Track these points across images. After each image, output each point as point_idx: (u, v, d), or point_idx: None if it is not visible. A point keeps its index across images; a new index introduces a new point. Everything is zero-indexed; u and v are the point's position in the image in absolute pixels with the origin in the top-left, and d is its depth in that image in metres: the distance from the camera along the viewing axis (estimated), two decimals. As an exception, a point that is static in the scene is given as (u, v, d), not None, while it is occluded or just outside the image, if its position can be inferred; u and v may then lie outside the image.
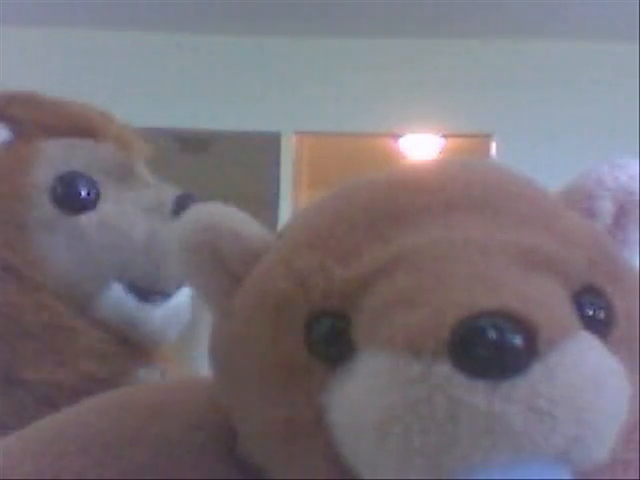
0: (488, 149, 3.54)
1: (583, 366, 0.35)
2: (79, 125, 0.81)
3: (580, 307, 0.38)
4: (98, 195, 0.78)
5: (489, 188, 0.42)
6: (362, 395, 0.35)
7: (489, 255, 0.37)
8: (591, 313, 0.38)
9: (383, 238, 0.39)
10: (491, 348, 0.33)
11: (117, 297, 0.76)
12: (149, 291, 0.77)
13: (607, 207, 0.45)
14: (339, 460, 0.37)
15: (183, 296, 0.79)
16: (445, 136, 3.75)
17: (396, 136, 3.83)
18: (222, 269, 0.44)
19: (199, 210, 0.46)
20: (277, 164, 3.56)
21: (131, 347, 0.78)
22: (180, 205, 0.77)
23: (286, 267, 0.41)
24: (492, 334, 0.33)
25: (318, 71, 3.61)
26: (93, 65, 3.23)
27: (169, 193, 0.80)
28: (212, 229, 0.44)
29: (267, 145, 3.57)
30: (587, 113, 3.43)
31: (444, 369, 0.33)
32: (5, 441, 0.49)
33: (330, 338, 0.39)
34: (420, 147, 3.86)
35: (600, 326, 0.38)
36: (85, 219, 0.76)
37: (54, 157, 0.78)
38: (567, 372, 0.34)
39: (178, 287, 0.78)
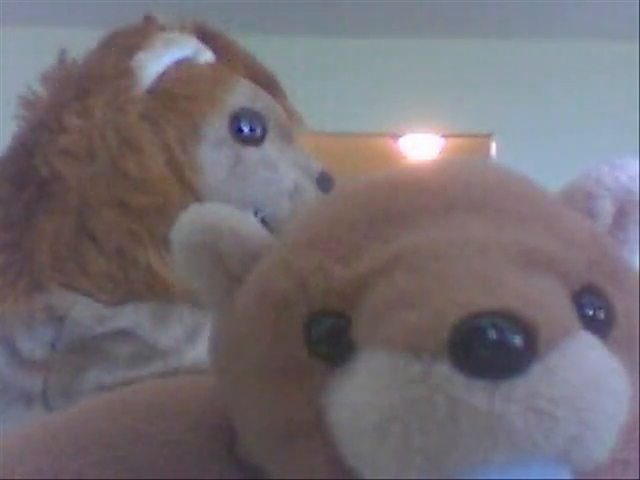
0: (488, 149, 3.54)
1: (583, 366, 0.35)
2: (267, 79, 0.95)
3: (580, 307, 0.38)
4: (264, 137, 0.89)
5: (489, 188, 0.42)
6: (362, 395, 0.35)
7: (489, 255, 0.37)
8: (591, 313, 0.38)
9: (383, 238, 0.39)
10: (491, 348, 0.33)
11: None
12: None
13: (607, 207, 0.45)
14: (339, 460, 0.37)
15: None
16: (445, 136, 3.75)
17: (396, 136, 3.83)
18: (222, 269, 0.44)
19: (199, 210, 0.46)
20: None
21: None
22: (324, 177, 0.91)
23: (286, 267, 0.41)
24: (492, 334, 0.33)
25: (318, 71, 3.61)
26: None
27: (317, 163, 0.93)
28: (212, 229, 0.44)
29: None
30: (587, 113, 3.43)
31: (444, 369, 0.33)
32: (5, 441, 0.49)
33: (330, 338, 0.39)
34: (420, 147, 3.86)
35: (600, 326, 0.38)
36: (249, 151, 0.87)
37: (245, 91, 0.90)
38: (567, 372, 0.34)
39: None
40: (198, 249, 0.44)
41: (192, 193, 0.82)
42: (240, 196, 0.85)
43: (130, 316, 0.78)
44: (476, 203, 0.41)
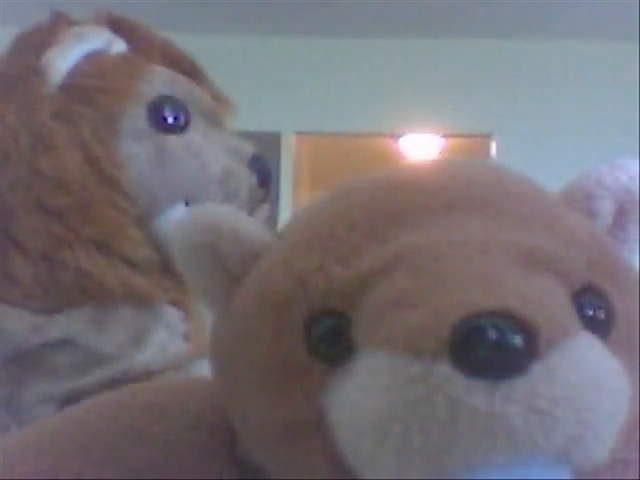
0: (488, 149, 3.55)
1: (583, 366, 0.35)
2: (186, 64, 0.90)
3: (580, 307, 0.38)
4: (188, 123, 0.85)
5: (489, 188, 0.42)
6: (362, 395, 0.35)
7: (489, 255, 0.37)
8: (591, 313, 0.38)
9: (383, 238, 0.39)
10: (491, 348, 0.33)
11: (177, 217, 0.80)
12: None
13: (607, 207, 0.45)
14: (339, 460, 0.37)
15: None
16: (445, 136, 3.75)
17: (396, 136, 3.83)
18: (222, 269, 0.44)
19: (199, 210, 0.46)
20: (277, 164, 3.56)
21: (168, 280, 0.81)
22: (257, 160, 0.88)
23: (286, 267, 0.41)
24: (492, 334, 0.33)
25: (318, 71, 3.61)
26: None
27: (249, 146, 0.89)
28: (212, 229, 0.44)
29: (267, 145, 3.57)
30: (587, 113, 3.44)
31: (444, 369, 0.33)
32: (5, 441, 0.49)
33: (330, 338, 0.39)
34: (420, 147, 3.87)
35: (600, 326, 0.38)
36: (171, 139, 0.83)
37: (161, 79, 0.86)
38: (567, 372, 0.34)
39: None
40: (198, 249, 0.44)
41: (115, 189, 0.79)
42: (167, 187, 0.82)
43: (65, 324, 0.76)
44: (476, 203, 0.41)
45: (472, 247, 0.38)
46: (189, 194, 0.83)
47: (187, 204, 0.83)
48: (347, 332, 0.38)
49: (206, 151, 0.85)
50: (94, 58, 0.83)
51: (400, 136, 3.83)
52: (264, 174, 0.88)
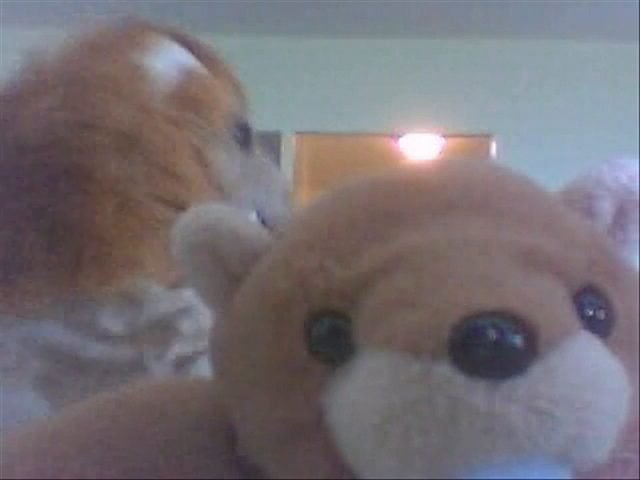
0: (488, 149, 3.55)
1: (583, 366, 0.35)
2: (239, 86, 0.99)
3: (580, 307, 0.38)
4: (252, 142, 0.94)
5: (489, 188, 0.42)
6: (362, 395, 0.35)
7: (489, 255, 0.37)
8: (591, 313, 0.38)
9: (383, 238, 0.39)
10: (491, 348, 0.33)
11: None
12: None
13: (607, 207, 0.45)
14: (339, 460, 0.37)
15: None
16: (445, 136, 3.75)
17: (396, 136, 3.83)
18: (222, 269, 0.44)
19: (199, 210, 0.46)
20: (277, 164, 3.55)
21: None
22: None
23: (286, 267, 0.41)
24: (492, 334, 0.33)
25: (318, 71, 3.61)
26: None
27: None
28: (212, 229, 0.44)
29: (267, 145, 3.57)
30: (587, 113, 3.44)
31: (444, 369, 0.33)
32: (5, 441, 0.49)
33: (330, 338, 0.39)
34: (420, 147, 3.87)
35: (600, 326, 0.38)
36: (249, 154, 0.92)
37: (237, 100, 0.94)
38: (567, 372, 0.34)
39: None
40: (198, 249, 0.44)
41: (222, 193, 0.87)
42: (249, 197, 0.91)
43: (187, 297, 0.83)
44: (476, 203, 0.41)
45: (472, 247, 0.38)
46: (260, 206, 0.92)
47: (258, 215, 0.91)
48: (347, 332, 0.38)
49: (272, 168, 0.97)
50: (192, 70, 0.89)
51: (400, 136, 3.82)
52: None
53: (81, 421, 0.49)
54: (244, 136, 0.92)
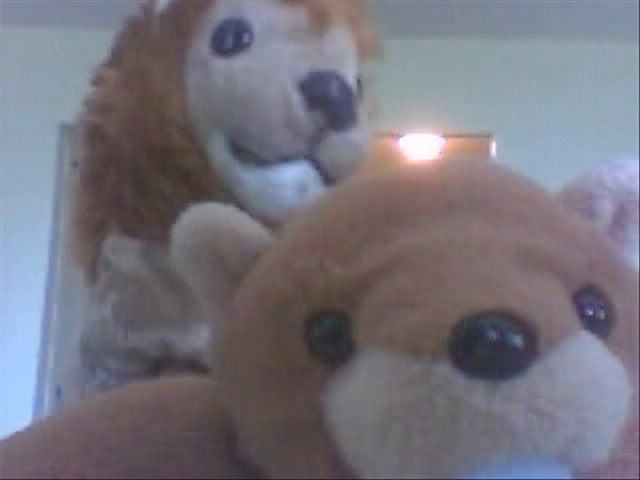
0: (488, 149, 3.54)
1: (583, 366, 0.35)
2: None
3: (580, 307, 0.38)
4: (249, 46, 0.77)
5: (489, 188, 0.42)
6: (362, 395, 0.35)
7: (489, 255, 0.37)
8: (591, 313, 0.38)
9: (383, 238, 0.39)
10: (491, 348, 0.33)
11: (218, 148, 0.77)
12: (246, 150, 0.76)
13: (607, 207, 0.45)
14: (339, 460, 0.37)
15: (286, 174, 0.76)
16: (445, 136, 3.75)
17: (396, 136, 3.82)
18: (222, 269, 0.44)
19: (198, 210, 0.46)
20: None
21: None
22: (312, 79, 0.74)
23: (286, 267, 0.41)
24: (492, 334, 0.33)
25: (318, 71, 3.59)
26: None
27: (308, 62, 0.76)
28: (212, 229, 0.44)
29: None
30: (587, 113, 3.43)
31: (444, 369, 0.33)
32: (5, 441, 0.49)
33: (330, 338, 0.39)
34: (420, 147, 3.86)
35: (600, 326, 0.38)
36: (222, 64, 0.76)
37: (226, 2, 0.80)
38: (567, 372, 0.34)
39: (281, 160, 0.75)
40: (198, 249, 0.44)
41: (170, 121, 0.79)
42: (208, 116, 0.80)
43: None
44: (476, 203, 0.41)
45: (472, 247, 0.38)
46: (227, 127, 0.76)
47: (231, 138, 0.76)
48: (347, 332, 0.38)
49: (263, 74, 0.75)
50: None
51: (400, 136, 3.82)
52: (317, 95, 0.74)
53: (81, 421, 0.49)
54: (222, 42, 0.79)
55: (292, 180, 0.76)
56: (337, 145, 0.76)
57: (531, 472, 0.34)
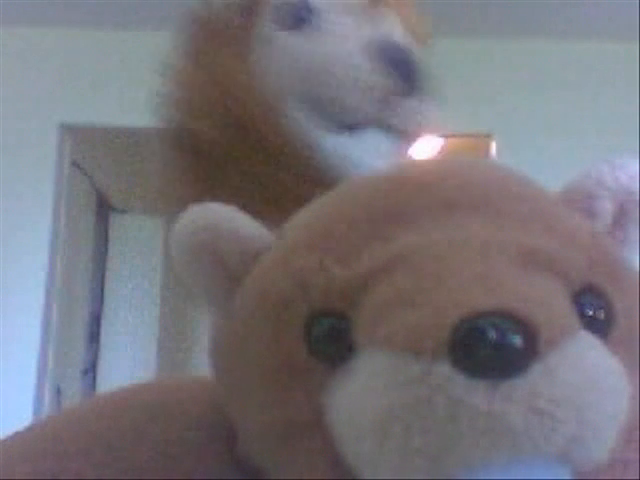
0: (488, 149, 3.54)
1: (583, 366, 0.35)
2: None
3: (580, 307, 0.38)
4: (311, 20, 0.79)
5: (489, 188, 0.42)
6: (362, 395, 0.35)
7: (489, 255, 0.37)
8: (591, 313, 0.38)
9: (383, 238, 0.39)
10: (491, 348, 0.33)
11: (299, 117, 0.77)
12: (321, 117, 0.77)
13: (607, 207, 0.45)
14: (339, 460, 0.37)
15: (362, 139, 0.78)
16: (445, 136, 3.75)
17: (396, 136, 3.82)
18: (222, 269, 0.44)
19: (198, 210, 0.46)
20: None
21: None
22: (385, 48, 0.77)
23: (286, 267, 0.41)
24: (492, 334, 0.33)
25: (318, 71, 3.59)
26: (93, 65, 3.24)
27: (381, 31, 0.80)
28: (212, 229, 0.44)
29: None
30: (587, 113, 3.43)
31: (444, 369, 0.33)
32: (6, 441, 0.49)
33: (330, 338, 0.39)
34: (420, 147, 3.86)
35: (600, 326, 0.38)
36: (288, 37, 0.79)
37: None
38: (567, 372, 0.34)
39: (356, 126, 0.77)
40: (198, 250, 0.44)
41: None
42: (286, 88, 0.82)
43: None
44: (476, 203, 0.41)
45: (472, 247, 0.38)
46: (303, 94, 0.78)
47: (306, 107, 0.77)
48: (347, 332, 0.38)
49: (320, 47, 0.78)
50: None
51: (400, 136, 3.82)
52: (387, 61, 0.76)
53: (81, 421, 0.49)
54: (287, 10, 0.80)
55: (368, 144, 0.79)
56: (407, 110, 0.80)
57: (531, 472, 0.34)
